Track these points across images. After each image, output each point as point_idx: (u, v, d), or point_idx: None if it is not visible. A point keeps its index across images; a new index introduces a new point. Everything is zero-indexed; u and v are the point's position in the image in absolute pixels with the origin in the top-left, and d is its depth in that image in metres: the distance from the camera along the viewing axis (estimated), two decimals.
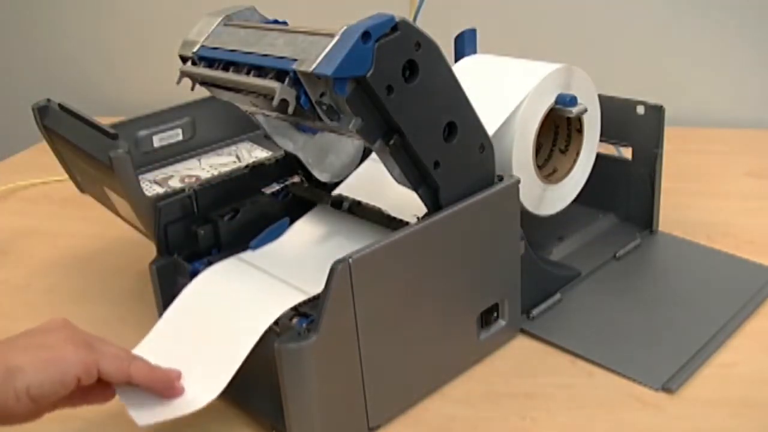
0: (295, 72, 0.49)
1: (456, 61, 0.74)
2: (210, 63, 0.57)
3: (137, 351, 0.55)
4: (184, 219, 0.63)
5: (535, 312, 0.65)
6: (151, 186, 0.73)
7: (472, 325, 0.60)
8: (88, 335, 0.53)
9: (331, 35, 0.48)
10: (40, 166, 0.99)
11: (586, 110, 0.66)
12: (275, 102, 0.49)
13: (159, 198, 0.62)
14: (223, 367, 0.51)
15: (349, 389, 0.52)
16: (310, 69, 0.48)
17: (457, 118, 0.54)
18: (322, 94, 0.49)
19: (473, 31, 0.76)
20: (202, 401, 0.51)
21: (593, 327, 0.64)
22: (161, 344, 0.56)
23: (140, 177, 0.71)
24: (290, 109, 0.50)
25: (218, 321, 0.55)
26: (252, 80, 0.52)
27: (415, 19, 1.11)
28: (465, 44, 0.75)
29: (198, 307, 0.57)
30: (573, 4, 1.07)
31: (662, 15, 1.05)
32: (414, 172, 0.54)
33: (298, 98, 0.50)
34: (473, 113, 0.55)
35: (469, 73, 0.70)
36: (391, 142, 0.52)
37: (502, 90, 0.65)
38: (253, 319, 0.53)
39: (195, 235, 0.63)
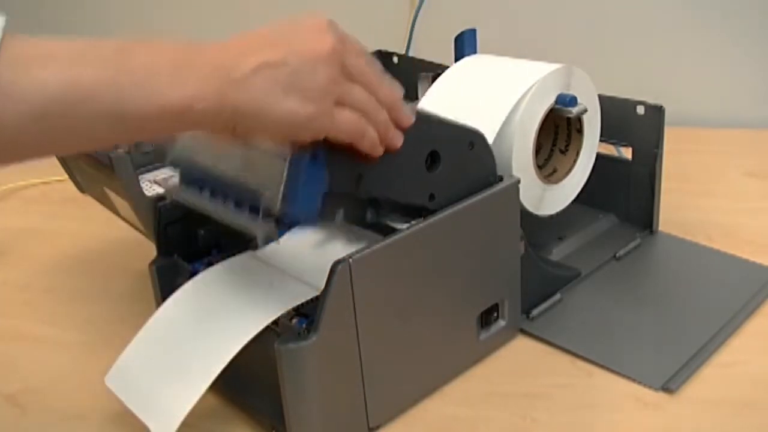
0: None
1: (456, 61, 0.74)
2: (190, 182, 0.55)
3: (130, 347, 0.56)
4: (184, 219, 0.63)
5: (535, 312, 0.65)
6: (151, 186, 0.73)
7: (472, 325, 0.60)
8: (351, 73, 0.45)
9: (283, 157, 0.46)
10: (40, 166, 0.98)
11: (586, 110, 0.66)
12: (259, 240, 0.49)
13: (159, 198, 0.62)
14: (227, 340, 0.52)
15: (349, 389, 0.52)
16: (276, 210, 0.47)
17: (435, 144, 0.53)
18: None
19: (473, 31, 0.76)
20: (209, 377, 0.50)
21: (593, 327, 0.64)
22: (165, 325, 0.56)
23: (140, 177, 0.71)
24: (275, 236, 0.50)
25: (217, 313, 0.55)
26: (233, 217, 0.51)
27: (415, 19, 1.11)
28: (465, 44, 0.75)
29: (198, 300, 0.57)
30: (573, 4, 1.07)
31: (662, 15, 1.05)
32: (410, 212, 0.55)
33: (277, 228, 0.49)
34: (448, 125, 0.54)
35: (469, 73, 0.70)
36: (381, 209, 0.52)
37: (502, 90, 0.65)
38: (253, 314, 0.53)
39: (195, 235, 0.63)
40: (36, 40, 0.37)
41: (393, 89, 0.48)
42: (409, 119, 0.49)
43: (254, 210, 0.49)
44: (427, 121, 0.53)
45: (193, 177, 0.54)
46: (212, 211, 0.52)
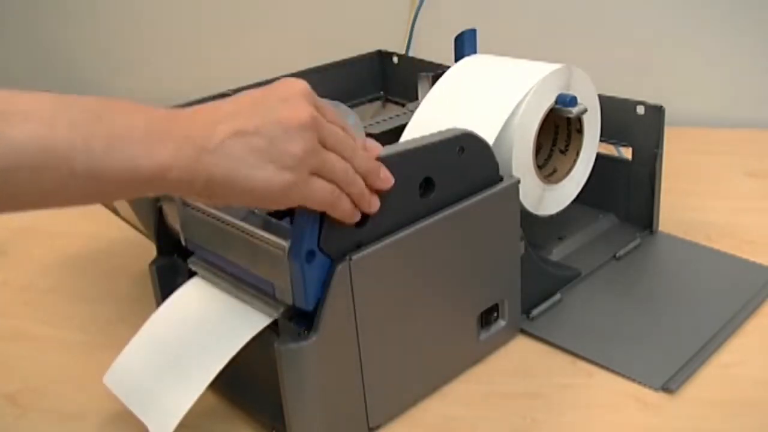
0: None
1: (456, 61, 0.74)
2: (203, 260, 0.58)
3: (129, 347, 0.56)
4: None
5: (535, 312, 0.65)
6: None
7: (472, 325, 0.60)
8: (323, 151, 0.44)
9: (282, 248, 0.48)
10: None
11: (586, 110, 0.66)
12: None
13: (159, 198, 0.62)
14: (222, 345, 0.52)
15: (349, 389, 0.52)
16: (290, 304, 0.50)
17: (425, 171, 0.53)
18: None
19: (473, 31, 0.76)
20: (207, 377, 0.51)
21: (593, 327, 0.64)
22: (156, 331, 0.56)
23: None
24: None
25: (217, 313, 0.55)
26: (248, 299, 0.54)
27: (415, 19, 1.11)
28: (465, 44, 0.75)
29: (197, 300, 0.57)
30: (573, 5, 1.07)
31: (662, 15, 1.05)
32: None
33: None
34: (433, 145, 0.53)
35: (468, 73, 0.70)
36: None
37: (502, 90, 0.65)
38: (253, 314, 0.53)
39: None
40: (9, 95, 0.37)
41: (369, 157, 0.48)
42: (387, 182, 0.49)
43: (268, 294, 0.51)
44: (411, 154, 0.52)
45: (207, 259, 0.57)
46: (227, 288, 0.55)
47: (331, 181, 0.45)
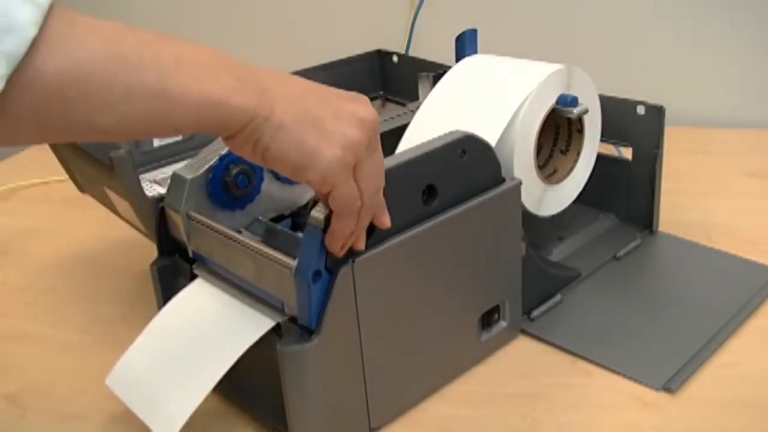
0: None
1: (457, 61, 0.74)
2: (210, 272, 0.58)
3: (133, 349, 0.56)
4: None
5: (535, 313, 0.65)
6: (151, 186, 0.73)
7: (473, 326, 0.60)
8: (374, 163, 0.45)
9: (289, 267, 0.48)
10: (40, 166, 0.99)
11: (587, 111, 0.66)
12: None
13: (159, 198, 0.62)
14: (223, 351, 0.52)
15: (350, 390, 0.52)
16: (295, 316, 0.50)
17: (428, 179, 0.53)
18: None
19: (474, 32, 0.76)
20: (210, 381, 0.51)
21: (593, 327, 0.64)
22: (157, 337, 0.56)
23: (140, 177, 0.71)
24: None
25: (221, 315, 0.55)
26: (255, 302, 0.54)
27: (415, 19, 1.11)
28: (466, 44, 0.75)
29: (201, 302, 0.57)
30: (573, 5, 1.08)
31: (662, 15, 1.05)
32: None
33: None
34: (435, 151, 0.53)
35: (469, 73, 0.70)
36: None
37: (503, 91, 0.65)
38: (257, 316, 0.53)
39: None
40: (83, 14, 0.37)
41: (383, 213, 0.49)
42: (386, 224, 0.49)
43: (273, 307, 0.52)
44: (414, 163, 0.52)
45: (213, 271, 0.57)
46: (231, 291, 0.55)
47: (359, 190, 0.45)
